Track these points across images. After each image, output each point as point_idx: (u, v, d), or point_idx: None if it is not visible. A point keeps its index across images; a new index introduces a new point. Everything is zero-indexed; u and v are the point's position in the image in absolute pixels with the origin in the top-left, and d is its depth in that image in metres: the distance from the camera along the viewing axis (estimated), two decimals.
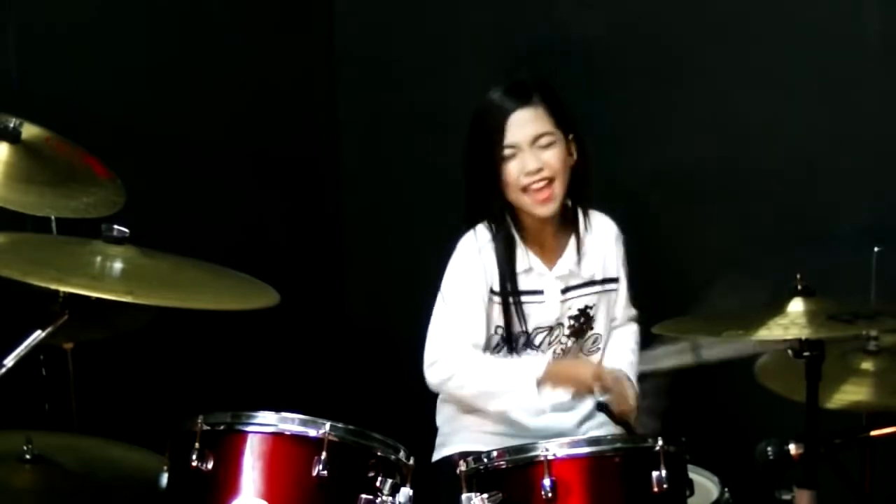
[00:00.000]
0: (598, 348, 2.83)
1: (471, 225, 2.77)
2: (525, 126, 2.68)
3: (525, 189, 2.69)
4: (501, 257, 2.73)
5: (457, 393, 2.75)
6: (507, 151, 2.68)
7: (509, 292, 2.73)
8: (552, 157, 2.69)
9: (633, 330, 2.90)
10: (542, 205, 2.70)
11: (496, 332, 2.75)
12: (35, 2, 3.01)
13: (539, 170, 2.67)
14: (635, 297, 2.87)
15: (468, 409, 2.80)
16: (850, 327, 2.23)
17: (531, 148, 2.68)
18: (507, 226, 2.75)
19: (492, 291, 2.73)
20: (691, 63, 3.27)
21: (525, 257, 2.75)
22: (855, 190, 3.08)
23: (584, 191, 2.78)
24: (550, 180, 2.69)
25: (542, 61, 3.35)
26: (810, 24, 3.11)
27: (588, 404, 2.84)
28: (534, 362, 2.68)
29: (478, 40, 3.57)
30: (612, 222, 2.84)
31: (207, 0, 3.48)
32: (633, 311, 2.90)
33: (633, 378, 2.79)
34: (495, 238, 2.74)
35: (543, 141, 2.69)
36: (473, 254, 2.74)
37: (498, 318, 2.74)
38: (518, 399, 2.67)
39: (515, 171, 2.68)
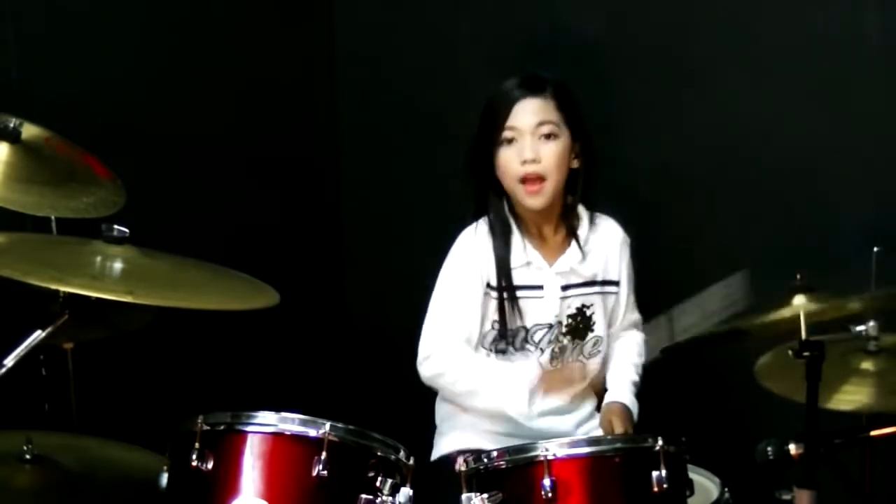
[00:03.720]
0: (599, 351, 2.83)
1: (477, 217, 2.78)
2: (530, 113, 2.69)
3: (522, 180, 2.69)
4: (499, 251, 2.73)
5: (448, 389, 2.76)
6: (506, 134, 2.69)
7: (505, 287, 2.73)
8: (549, 152, 2.68)
9: (636, 340, 2.90)
10: (530, 196, 2.70)
11: (493, 328, 2.75)
12: (35, 2, 3.01)
13: (534, 160, 2.67)
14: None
15: (466, 407, 2.80)
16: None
17: (532, 136, 2.68)
18: (506, 217, 2.75)
19: (489, 286, 2.74)
20: (691, 63, 3.27)
21: (523, 252, 2.75)
22: (855, 190, 3.08)
23: (586, 194, 2.79)
24: (541, 178, 2.69)
25: (543, 61, 3.34)
26: (810, 24, 3.11)
27: (587, 407, 2.85)
28: (527, 369, 2.70)
29: (478, 40, 3.57)
30: (619, 227, 2.84)
31: (207, 0, 3.48)
32: (636, 316, 2.90)
33: (635, 397, 2.81)
34: (493, 231, 2.74)
35: (545, 130, 2.69)
36: (470, 249, 2.75)
37: (494, 313, 2.74)
38: (508, 403, 2.68)
39: (512, 158, 2.69)
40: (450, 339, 2.72)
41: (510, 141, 2.69)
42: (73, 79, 3.06)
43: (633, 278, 2.86)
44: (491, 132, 2.70)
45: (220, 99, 3.45)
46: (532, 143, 2.68)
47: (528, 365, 2.72)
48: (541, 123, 2.69)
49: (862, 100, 3.06)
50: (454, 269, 2.75)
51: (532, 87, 2.71)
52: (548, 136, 2.69)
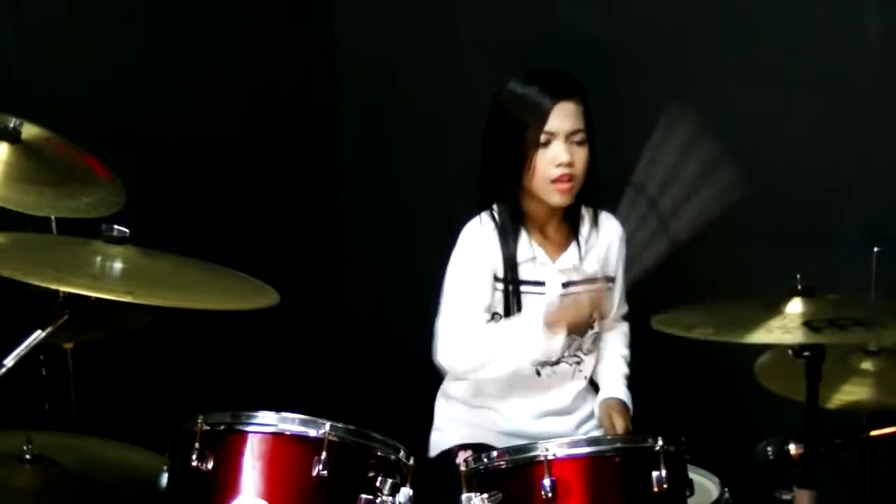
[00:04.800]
0: (595, 347, 2.85)
1: (483, 209, 2.78)
2: (566, 118, 2.70)
3: (553, 181, 2.70)
4: (506, 244, 2.74)
5: (477, 371, 2.74)
6: (543, 138, 2.69)
7: (510, 280, 2.74)
8: (581, 157, 2.71)
9: (623, 331, 2.93)
10: (561, 194, 2.71)
11: (495, 320, 2.75)
12: (35, 2, 3.01)
13: (570, 164, 2.68)
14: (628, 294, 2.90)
15: (465, 405, 2.81)
16: (846, 334, 2.19)
17: (566, 141, 2.69)
18: (515, 212, 2.76)
19: (495, 278, 2.74)
20: (692, 63, 3.27)
21: (529, 247, 2.76)
22: (855, 190, 3.08)
23: (591, 192, 2.80)
24: (572, 179, 2.70)
25: (544, 61, 3.34)
26: (811, 24, 3.11)
27: (587, 407, 2.85)
28: (533, 309, 2.70)
29: (478, 40, 3.57)
30: (618, 224, 2.85)
31: (207, 0, 3.48)
32: (625, 309, 2.92)
33: (628, 389, 2.82)
34: (499, 225, 2.75)
35: (578, 137, 2.71)
36: (477, 239, 2.75)
37: (498, 306, 2.75)
38: (529, 348, 2.68)
39: (547, 159, 2.69)
40: (465, 327, 2.71)
41: (545, 143, 2.70)
42: (73, 79, 3.06)
43: (626, 272, 2.87)
44: (524, 131, 2.70)
45: (220, 99, 3.45)
46: (566, 147, 2.69)
47: (533, 308, 2.72)
48: (575, 131, 2.70)
49: (862, 99, 3.06)
50: (463, 259, 2.76)
51: (565, 92, 2.72)
52: (579, 143, 2.71)
